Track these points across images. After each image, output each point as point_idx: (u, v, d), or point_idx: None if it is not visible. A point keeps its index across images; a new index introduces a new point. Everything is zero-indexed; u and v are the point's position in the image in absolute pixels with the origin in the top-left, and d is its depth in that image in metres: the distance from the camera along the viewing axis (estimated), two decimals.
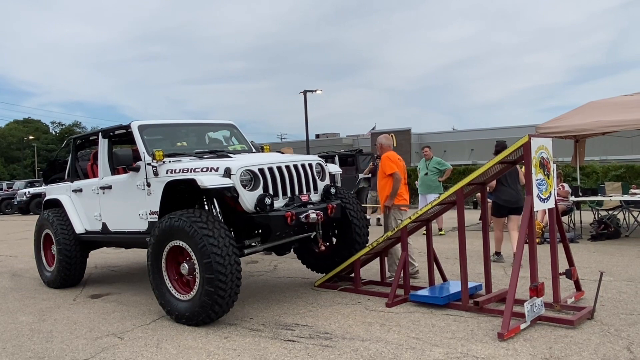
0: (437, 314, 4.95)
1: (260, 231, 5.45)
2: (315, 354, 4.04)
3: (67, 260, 6.75)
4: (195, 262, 4.77)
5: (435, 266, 5.84)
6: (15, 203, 26.42)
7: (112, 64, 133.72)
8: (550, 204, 4.92)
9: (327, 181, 5.83)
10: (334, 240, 6.29)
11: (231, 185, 4.92)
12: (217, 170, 5.06)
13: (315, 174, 5.68)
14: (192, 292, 4.86)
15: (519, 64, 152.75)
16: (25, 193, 26.04)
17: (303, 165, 5.56)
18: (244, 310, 5.36)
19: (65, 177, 7.41)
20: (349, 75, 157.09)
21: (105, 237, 6.54)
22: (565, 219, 9.95)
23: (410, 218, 5.46)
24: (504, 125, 36.98)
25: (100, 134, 6.54)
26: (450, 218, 10.38)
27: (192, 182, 4.97)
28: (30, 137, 63.40)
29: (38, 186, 27.52)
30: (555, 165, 5.05)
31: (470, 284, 5.26)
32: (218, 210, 5.39)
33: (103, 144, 6.47)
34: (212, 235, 4.67)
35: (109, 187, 6.24)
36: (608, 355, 3.76)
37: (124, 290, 6.75)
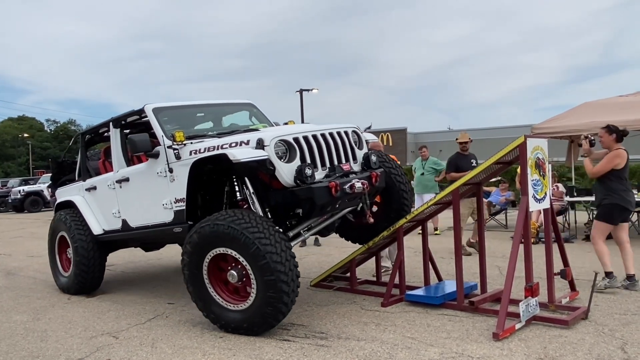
0: (433, 313, 4.96)
1: (301, 210, 4.88)
2: (310, 353, 4.04)
3: (85, 264, 6.27)
4: (248, 267, 4.34)
5: (430, 266, 5.85)
6: (10, 201, 26.31)
7: (108, 62, 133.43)
8: (546, 204, 4.94)
9: (364, 150, 5.35)
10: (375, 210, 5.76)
11: (266, 157, 4.41)
12: (247, 143, 4.58)
13: (352, 142, 5.19)
14: (248, 300, 4.42)
15: (515, 64, 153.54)
16: (19, 191, 25.95)
17: (339, 133, 5.05)
18: None
19: (76, 178, 6.92)
20: (346, 74, 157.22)
21: (126, 235, 6.02)
22: (560, 219, 9.98)
23: (406, 218, 5.46)
24: (499, 125, 37.08)
25: (111, 123, 6.05)
26: (445, 217, 10.40)
27: (223, 158, 4.46)
28: (25, 135, 63.12)
29: (32, 184, 27.46)
30: (550, 165, 5.07)
31: (466, 284, 5.27)
32: (251, 190, 4.85)
33: (115, 134, 5.99)
34: (265, 237, 4.25)
35: (126, 180, 5.77)
36: (602, 355, 3.78)
37: (119, 289, 6.74)
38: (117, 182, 5.92)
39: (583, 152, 5.87)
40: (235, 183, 5.20)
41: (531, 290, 4.50)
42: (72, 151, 8.37)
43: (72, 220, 6.45)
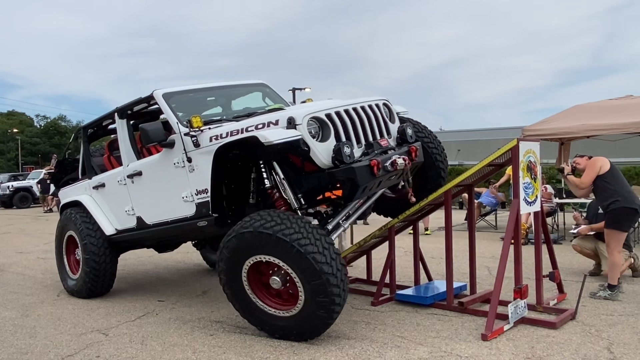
0: (422, 313, 4.99)
1: (338, 196, 4.52)
2: (300, 352, 4.05)
3: (95, 266, 5.85)
4: (291, 272, 3.99)
5: (421, 265, 5.88)
6: None
7: (100, 58, 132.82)
8: (536, 207, 4.98)
9: (397, 123, 4.98)
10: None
11: (300, 137, 4.01)
12: (276, 123, 4.16)
13: (384, 116, 4.81)
14: (297, 306, 4.09)
15: (507, 66, 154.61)
16: (8, 187, 25.71)
17: (370, 107, 4.64)
18: (230, 308, 5.32)
19: (80, 176, 6.48)
20: (338, 74, 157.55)
21: (142, 233, 5.57)
22: (548, 220, 10.06)
23: (398, 218, 5.48)
24: (491, 127, 37.24)
25: (116, 114, 5.61)
26: (436, 218, 10.45)
27: (251, 141, 4.09)
28: (14, 130, 62.57)
29: (21, 180, 27.21)
30: (540, 167, 5.10)
31: (455, 284, 5.31)
32: (282, 176, 4.41)
33: (122, 126, 5.56)
34: (305, 236, 3.90)
35: (139, 174, 5.35)
36: (589, 355, 3.82)
37: None
38: (128, 177, 5.51)
39: (566, 171, 5.82)
40: (263, 169, 4.74)
41: (520, 292, 4.54)
42: (72, 148, 7.98)
43: (82, 219, 6.05)
